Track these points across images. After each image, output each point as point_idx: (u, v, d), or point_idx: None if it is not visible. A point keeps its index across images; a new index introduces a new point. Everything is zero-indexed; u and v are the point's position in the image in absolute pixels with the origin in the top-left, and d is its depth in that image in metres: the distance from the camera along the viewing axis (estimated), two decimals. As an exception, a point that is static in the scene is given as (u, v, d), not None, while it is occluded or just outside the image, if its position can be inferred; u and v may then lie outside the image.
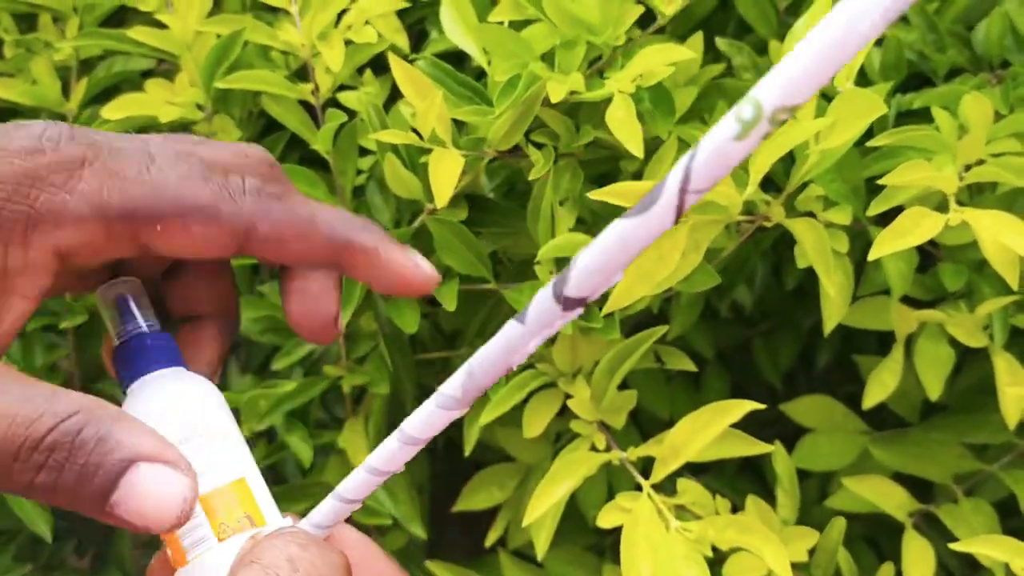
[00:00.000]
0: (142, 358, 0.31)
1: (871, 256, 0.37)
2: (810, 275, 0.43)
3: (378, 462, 0.28)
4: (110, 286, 0.33)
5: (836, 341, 0.59)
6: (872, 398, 0.46)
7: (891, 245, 0.37)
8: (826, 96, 0.41)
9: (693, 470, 0.60)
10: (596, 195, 0.39)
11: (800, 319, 0.59)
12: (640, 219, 0.21)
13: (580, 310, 0.22)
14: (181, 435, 0.29)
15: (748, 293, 0.56)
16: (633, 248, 0.21)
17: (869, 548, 0.53)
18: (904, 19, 0.52)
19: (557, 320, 0.23)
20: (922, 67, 0.52)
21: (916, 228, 0.37)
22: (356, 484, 0.28)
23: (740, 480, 0.57)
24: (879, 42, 0.51)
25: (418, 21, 0.64)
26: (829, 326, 0.41)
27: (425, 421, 0.27)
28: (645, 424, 0.57)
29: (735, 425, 0.43)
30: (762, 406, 0.39)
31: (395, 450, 0.27)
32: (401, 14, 0.61)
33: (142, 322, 0.32)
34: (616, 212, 0.48)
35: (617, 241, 0.21)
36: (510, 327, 0.24)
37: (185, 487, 0.27)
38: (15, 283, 0.29)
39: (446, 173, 0.43)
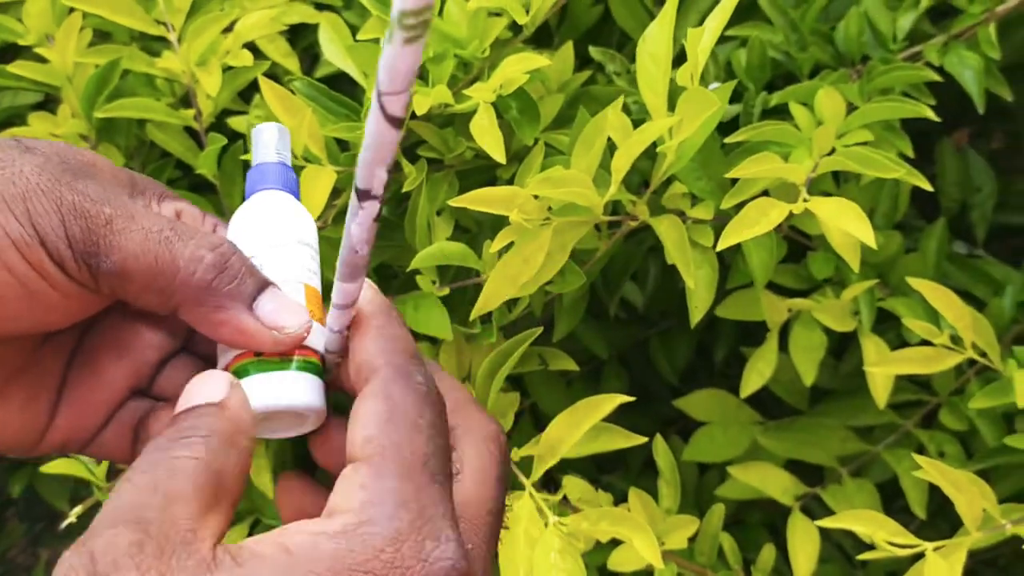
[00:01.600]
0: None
1: (720, 246, 0.39)
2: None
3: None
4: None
5: (731, 335, 0.60)
6: (749, 387, 0.47)
7: (738, 235, 0.39)
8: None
9: (600, 471, 0.62)
10: (456, 202, 0.40)
11: (695, 316, 0.60)
12: (368, 123, 0.24)
13: (374, 203, 0.26)
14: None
15: (638, 292, 0.57)
16: (376, 145, 0.25)
17: (766, 531, 0.55)
18: (767, 20, 0.54)
19: (359, 209, 0.27)
20: (788, 66, 0.54)
21: (763, 217, 0.39)
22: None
23: (643, 479, 0.58)
24: (744, 43, 0.53)
25: (313, 44, 0.64)
26: (695, 318, 0.43)
27: (335, 291, 0.30)
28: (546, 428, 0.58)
29: (636, 424, 0.44)
30: (630, 399, 0.40)
31: (332, 313, 0.31)
32: (294, 38, 0.62)
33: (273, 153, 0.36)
34: (496, 216, 0.49)
35: (367, 141, 0.25)
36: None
37: (308, 314, 0.31)
38: None
39: (318, 188, 0.44)
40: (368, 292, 0.32)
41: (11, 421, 0.32)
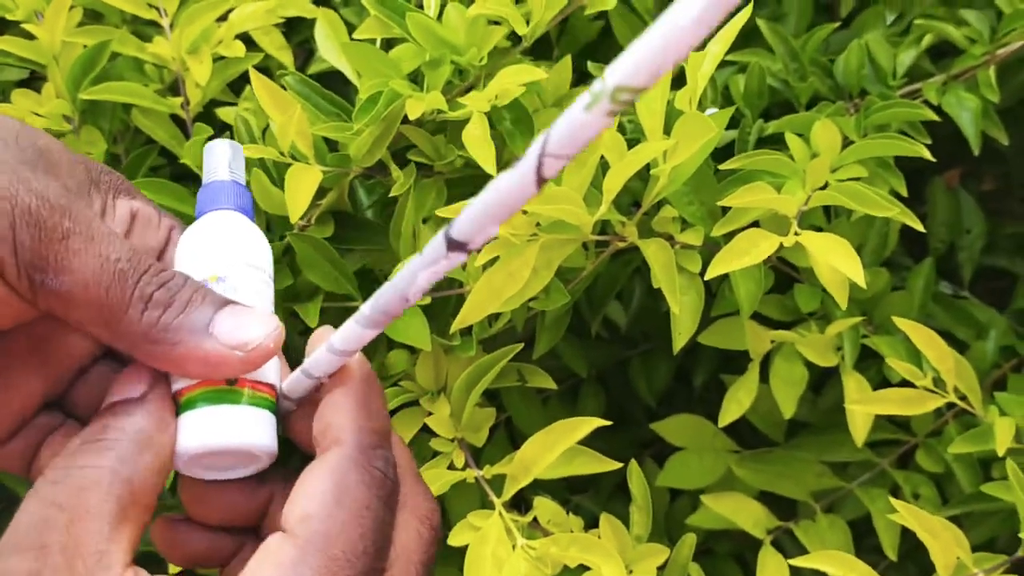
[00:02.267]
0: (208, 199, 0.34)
1: (708, 275, 0.38)
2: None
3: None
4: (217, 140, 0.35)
5: (712, 361, 0.60)
6: (728, 416, 0.47)
7: (727, 265, 0.38)
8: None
9: (571, 491, 0.61)
10: (444, 212, 0.39)
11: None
12: (508, 177, 0.23)
13: (463, 256, 0.25)
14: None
15: (621, 312, 0.56)
16: (506, 202, 0.23)
17: (735, 564, 0.54)
18: (768, 48, 0.53)
19: (442, 259, 0.25)
20: (786, 95, 0.53)
21: (753, 248, 0.38)
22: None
23: (614, 502, 0.57)
24: (743, 69, 0.53)
25: (308, 39, 0.63)
26: (678, 344, 0.42)
27: (346, 335, 0.29)
28: (521, 444, 0.57)
29: (611, 445, 0.43)
30: (607, 423, 0.39)
31: (320, 357, 0.30)
32: (290, 32, 0.61)
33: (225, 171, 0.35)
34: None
35: (492, 194, 0.23)
36: (411, 260, 0.26)
37: (276, 320, 0.29)
38: None
39: (302, 188, 0.43)
40: (354, 362, 0.30)
41: None
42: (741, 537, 0.54)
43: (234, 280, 0.31)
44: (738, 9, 0.41)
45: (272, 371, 0.31)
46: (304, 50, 0.67)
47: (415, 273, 0.26)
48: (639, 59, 0.19)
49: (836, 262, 0.37)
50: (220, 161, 0.34)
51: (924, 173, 0.64)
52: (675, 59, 0.19)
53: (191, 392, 0.30)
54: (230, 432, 0.30)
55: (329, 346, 0.29)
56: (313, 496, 0.28)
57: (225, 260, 0.32)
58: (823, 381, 0.54)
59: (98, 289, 0.27)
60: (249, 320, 0.29)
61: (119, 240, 0.29)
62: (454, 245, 0.25)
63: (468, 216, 0.24)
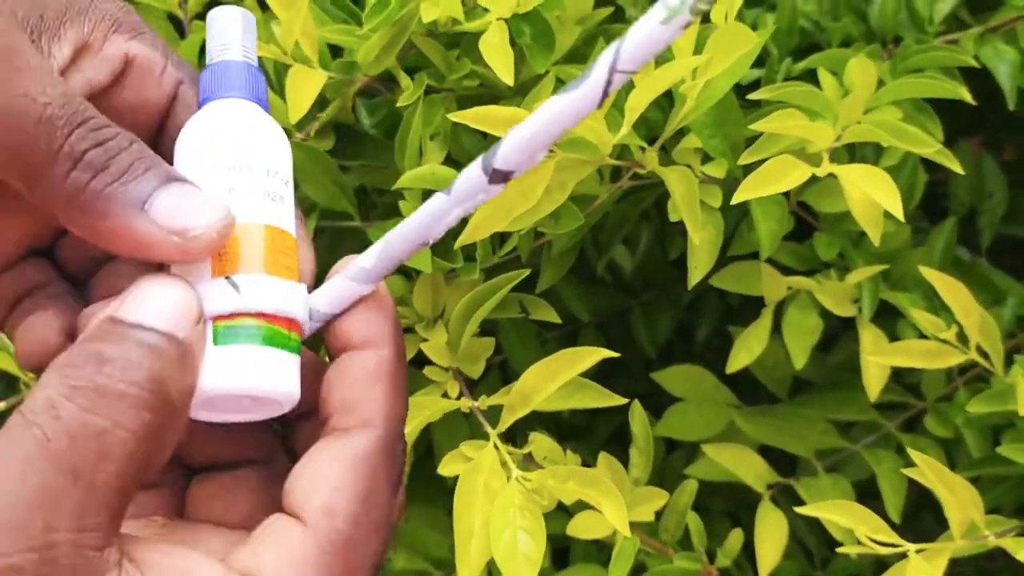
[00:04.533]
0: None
1: (735, 199, 0.36)
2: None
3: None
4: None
5: (715, 315, 0.58)
6: (737, 362, 0.45)
7: (755, 190, 0.36)
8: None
9: (562, 438, 0.59)
10: (456, 117, 0.37)
11: (680, 291, 0.58)
12: (571, 95, 0.22)
13: (503, 186, 0.23)
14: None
15: (628, 257, 0.54)
16: (562, 123, 0.22)
17: (729, 522, 0.52)
18: (801, -14, 0.51)
19: (481, 193, 0.24)
20: (817, 37, 0.51)
21: (784, 177, 0.36)
22: None
23: (608, 449, 0.55)
24: (772, 8, 0.50)
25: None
26: (695, 278, 0.40)
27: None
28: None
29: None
30: (613, 354, 0.37)
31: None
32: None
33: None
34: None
35: (548, 115, 0.22)
36: (435, 198, 0.24)
37: (227, 210, 0.25)
38: None
39: (304, 92, 0.41)
40: (390, 327, 0.27)
41: None
42: (735, 494, 0.52)
43: (246, 188, 0.27)
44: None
45: (292, 302, 0.27)
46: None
47: (446, 211, 0.24)
48: None
49: (874, 192, 0.35)
50: (230, 35, 0.29)
51: (945, 140, 0.62)
52: None
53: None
54: (255, 375, 0.25)
55: (346, 273, 0.27)
56: (339, 487, 0.25)
57: (233, 160, 0.27)
58: (831, 341, 0.52)
59: (20, 134, 0.23)
60: (194, 203, 0.25)
61: (53, 79, 0.24)
62: (498, 176, 0.23)
63: (516, 141, 0.22)
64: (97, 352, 0.22)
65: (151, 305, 0.23)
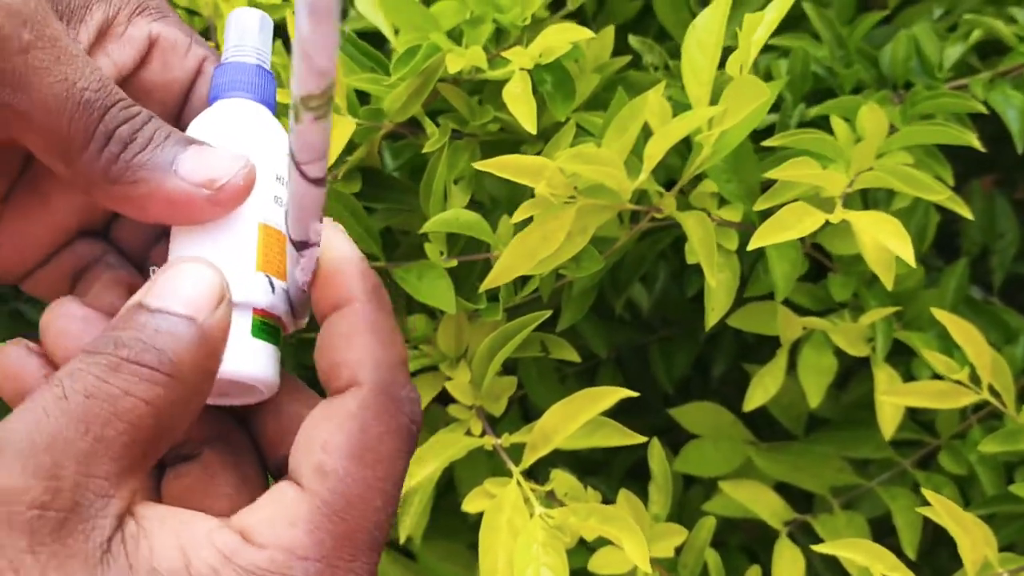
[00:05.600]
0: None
1: (751, 245, 0.37)
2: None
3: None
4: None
5: (732, 351, 0.59)
6: (753, 401, 0.46)
7: (771, 237, 0.37)
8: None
9: (581, 473, 0.60)
10: (481, 166, 0.38)
11: (698, 327, 0.59)
12: (291, 183, 0.25)
13: (314, 250, 0.27)
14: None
15: (645, 294, 0.55)
16: (304, 204, 0.25)
17: (747, 558, 0.53)
18: (814, 35, 0.52)
19: (298, 257, 0.26)
20: (829, 83, 0.52)
21: (798, 223, 0.37)
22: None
23: (627, 484, 0.56)
24: (785, 54, 0.52)
25: (343, -2, 0.62)
26: (712, 320, 0.41)
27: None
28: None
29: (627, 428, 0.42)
30: (635, 394, 0.38)
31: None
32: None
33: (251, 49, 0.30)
34: (514, 194, 0.47)
35: (295, 199, 0.25)
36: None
37: (247, 159, 0.27)
38: None
39: (336, 139, 0.42)
40: (354, 254, 0.27)
41: None
42: (752, 531, 0.53)
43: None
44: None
45: (272, 295, 0.28)
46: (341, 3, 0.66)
47: (291, 273, 0.27)
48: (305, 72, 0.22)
49: (885, 239, 0.36)
50: (245, 36, 0.29)
51: (958, 178, 0.63)
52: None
53: None
54: (242, 364, 0.27)
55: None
56: (330, 446, 0.25)
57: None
58: (846, 378, 0.53)
59: (60, 118, 0.25)
60: (216, 157, 0.27)
61: (89, 64, 0.26)
62: (299, 245, 0.26)
63: (292, 221, 0.25)
64: (117, 336, 0.24)
65: (173, 289, 0.24)
